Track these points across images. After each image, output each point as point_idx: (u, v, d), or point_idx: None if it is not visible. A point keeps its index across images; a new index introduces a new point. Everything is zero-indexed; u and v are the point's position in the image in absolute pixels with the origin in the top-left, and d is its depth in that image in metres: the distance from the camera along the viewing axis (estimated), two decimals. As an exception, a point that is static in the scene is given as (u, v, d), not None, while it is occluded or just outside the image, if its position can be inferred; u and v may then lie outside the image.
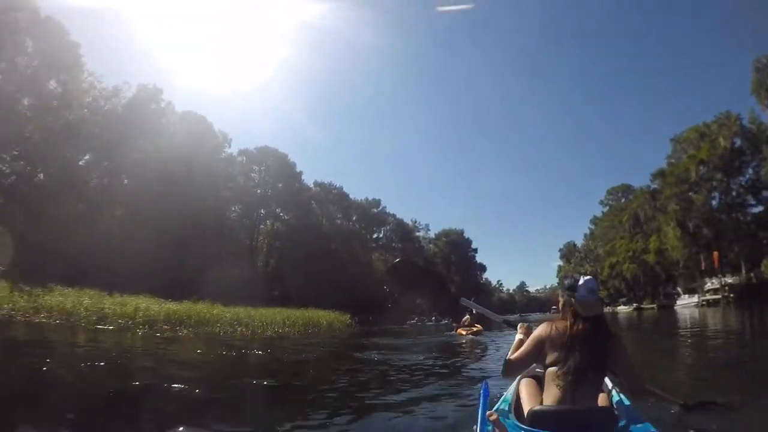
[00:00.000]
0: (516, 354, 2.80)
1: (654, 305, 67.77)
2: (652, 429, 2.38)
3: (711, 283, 56.08)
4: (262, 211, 64.87)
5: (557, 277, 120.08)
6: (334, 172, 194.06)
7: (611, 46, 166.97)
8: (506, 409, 2.80)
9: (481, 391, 2.28)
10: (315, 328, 26.53)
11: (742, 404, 3.85)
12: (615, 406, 2.84)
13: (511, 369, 2.81)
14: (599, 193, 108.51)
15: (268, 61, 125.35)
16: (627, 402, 2.88)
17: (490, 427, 1.89)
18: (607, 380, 3.11)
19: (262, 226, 65.20)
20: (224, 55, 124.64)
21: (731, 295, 49.33)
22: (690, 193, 61.95)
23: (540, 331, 2.76)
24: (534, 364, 2.91)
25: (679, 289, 63.16)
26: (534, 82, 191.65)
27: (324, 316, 30.77)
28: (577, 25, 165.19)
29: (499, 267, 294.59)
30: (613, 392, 3.05)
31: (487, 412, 1.94)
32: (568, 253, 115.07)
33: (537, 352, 2.70)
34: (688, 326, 20.58)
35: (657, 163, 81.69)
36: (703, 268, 57.42)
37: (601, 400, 2.80)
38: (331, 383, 7.41)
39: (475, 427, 1.89)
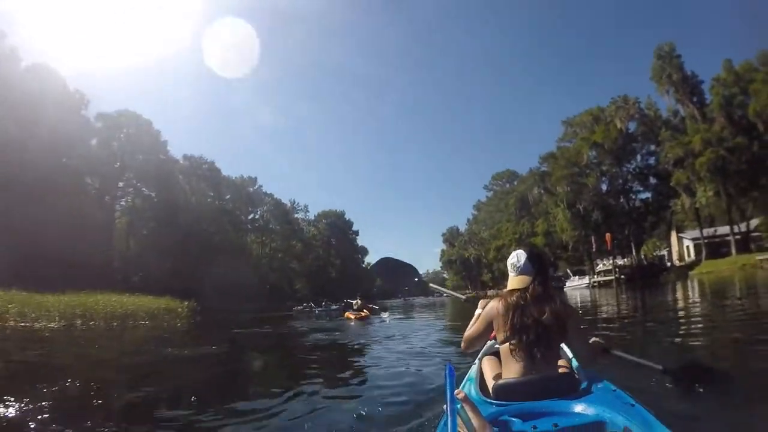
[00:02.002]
0: (470, 330, 2.87)
1: (542, 287, 67.49)
2: (612, 386, 2.41)
3: (603, 265, 56.18)
4: (121, 184, 56.57)
5: (440, 260, 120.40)
6: (207, 146, 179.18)
7: (503, 27, 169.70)
8: (471, 386, 2.77)
9: (446, 372, 1.92)
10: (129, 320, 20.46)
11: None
12: (575, 370, 2.81)
13: (467, 344, 2.90)
14: (485, 180, 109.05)
15: (136, 18, 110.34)
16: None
17: (459, 405, 1.79)
18: (565, 348, 3.15)
19: (122, 203, 57.57)
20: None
21: (622, 276, 49.15)
22: (580, 177, 61.91)
23: (489, 307, 2.75)
24: (494, 342, 3.02)
25: (568, 271, 63.25)
26: (420, 65, 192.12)
27: (149, 303, 24.72)
28: (468, 7, 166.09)
29: (384, 252, 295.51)
30: (572, 359, 3.04)
31: (455, 391, 1.81)
32: (451, 237, 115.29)
33: (488, 328, 2.73)
34: (580, 305, 20.52)
35: (544, 150, 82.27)
36: (594, 249, 57.51)
37: (561, 366, 2.78)
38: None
39: (444, 406, 1.76)
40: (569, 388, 2.37)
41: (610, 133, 56.68)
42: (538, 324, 2.51)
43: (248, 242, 79.52)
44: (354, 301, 22.46)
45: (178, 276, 47.94)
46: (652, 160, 58.57)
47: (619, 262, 53.35)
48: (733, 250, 45.99)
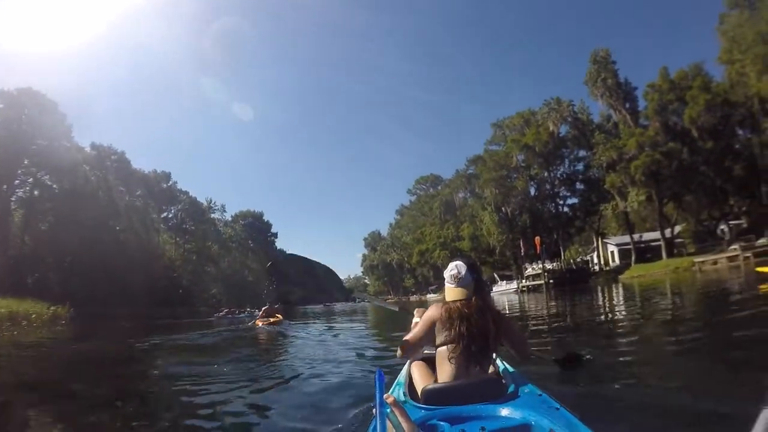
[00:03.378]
0: (411, 335, 2.85)
1: (468, 292, 65.77)
2: (536, 390, 2.46)
3: (532, 269, 55.09)
4: (20, 172, 49.31)
5: (362, 266, 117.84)
6: (116, 136, 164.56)
7: (429, 20, 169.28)
8: (401, 391, 2.81)
9: (376, 378, 1.95)
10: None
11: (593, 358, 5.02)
12: (502, 374, 2.93)
13: (407, 349, 2.85)
14: (408, 183, 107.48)
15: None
16: (511, 369, 3.05)
17: (388, 409, 1.81)
18: (495, 355, 3.19)
19: (20, 193, 50.09)
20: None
21: (551, 281, 48.08)
22: (509, 180, 61.02)
23: (430, 312, 2.81)
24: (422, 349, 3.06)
25: (495, 276, 61.87)
26: (342, 67, 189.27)
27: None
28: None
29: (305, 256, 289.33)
30: (499, 362, 3.17)
31: (385, 395, 1.82)
32: (373, 242, 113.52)
33: (429, 332, 2.76)
34: (509, 311, 19.80)
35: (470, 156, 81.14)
36: (522, 253, 56.35)
37: (491, 372, 2.92)
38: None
39: (373, 410, 1.78)
40: (497, 392, 2.40)
41: (540, 136, 56.13)
42: (478, 332, 2.59)
43: (161, 242, 72.55)
44: (263, 308, 21.80)
45: (78, 277, 43.83)
46: (580, 166, 58.62)
47: (548, 266, 52.20)
48: (664, 254, 46.49)
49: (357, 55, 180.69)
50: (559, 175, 59.81)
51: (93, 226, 49.81)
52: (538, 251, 48.93)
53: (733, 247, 37.61)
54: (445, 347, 2.62)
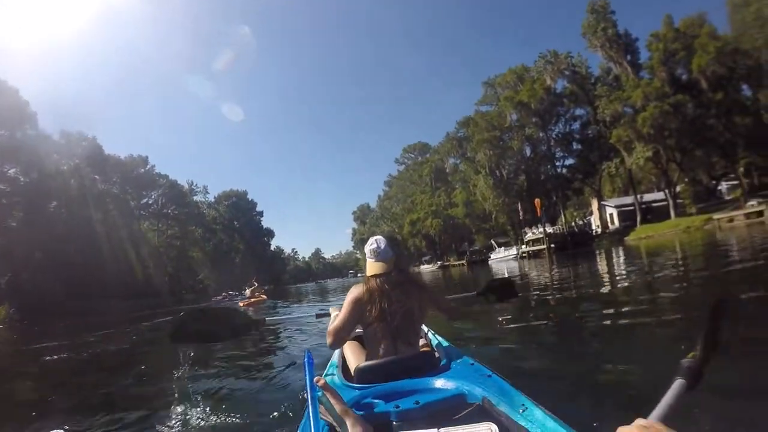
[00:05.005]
0: (337, 322, 2.73)
1: (463, 261, 63.67)
2: (470, 360, 2.49)
3: (532, 233, 52.66)
4: None
5: (352, 240, 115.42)
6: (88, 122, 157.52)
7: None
8: (334, 372, 2.74)
9: (305, 360, 1.89)
10: None
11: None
12: (435, 348, 2.95)
13: (335, 336, 2.69)
14: (396, 153, 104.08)
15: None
16: (445, 342, 3.05)
17: (320, 393, 1.77)
18: (425, 328, 3.35)
19: None
20: None
21: (552, 245, 45.75)
22: (503, 141, 58.41)
23: (352, 293, 2.74)
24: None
25: (493, 243, 59.64)
26: (322, 35, 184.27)
27: None
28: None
29: (293, 235, 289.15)
30: (431, 335, 3.25)
31: (315, 378, 1.75)
32: (362, 215, 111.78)
33: (355, 314, 2.68)
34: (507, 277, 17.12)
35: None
36: (521, 218, 53.94)
37: (422, 345, 2.97)
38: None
39: (305, 394, 1.73)
40: (430, 365, 2.43)
41: (536, 92, 53.22)
42: (401, 307, 2.59)
43: (142, 230, 69.49)
44: (248, 288, 22.00)
45: (54, 274, 41.78)
46: (576, 125, 56.05)
47: (549, 230, 49.87)
48: (672, 213, 44.42)
49: (337, 23, 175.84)
50: (554, 135, 57.14)
51: (65, 218, 47.64)
52: (538, 214, 46.80)
53: (751, 203, 35.43)
54: (370, 326, 2.61)
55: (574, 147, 56.43)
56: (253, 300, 20.13)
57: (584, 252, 36.42)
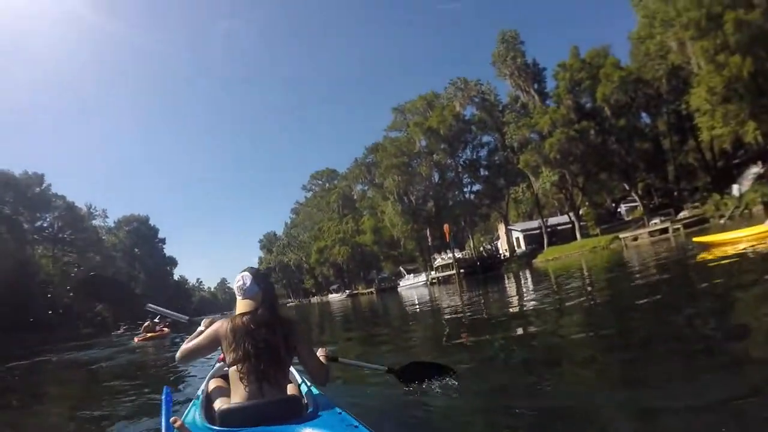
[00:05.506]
0: (191, 343, 2.77)
1: (372, 290, 61.72)
2: (338, 409, 2.41)
3: (441, 259, 52.00)
4: None
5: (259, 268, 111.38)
6: None
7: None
8: (196, 412, 2.65)
9: (163, 398, 2.12)
10: None
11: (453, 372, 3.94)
12: (304, 395, 2.83)
13: (184, 356, 2.75)
14: (303, 181, 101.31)
15: None
16: (315, 390, 2.89)
17: None
18: (294, 371, 3.15)
19: None
20: None
21: (462, 271, 45.17)
22: (411, 167, 57.85)
23: (216, 326, 2.70)
24: (223, 364, 2.98)
25: (402, 270, 58.34)
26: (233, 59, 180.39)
27: None
28: None
29: (198, 265, 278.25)
30: (302, 383, 3.07)
31: (172, 418, 1.86)
32: (269, 243, 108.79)
33: (210, 345, 2.69)
34: (419, 306, 19.00)
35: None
36: (430, 243, 53.17)
37: (290, 390, 2.78)
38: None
39: None
40: (296, 412, 2.38)
41: (445, 118, 53.16)
42: (266, 347, 2.51)
43: (36, 256, 62.71)
44: (145, 324, 20.26)
45: None
46: (483, 152, 56.51)
47: (458, 255, 49.34)
48: (578, 234, 45.70)
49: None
50: (462, 162, 57.25)
51: None
52: (447, 239, 46.32)
53: (654, 221, 37.04)
54: (234, 366, 2.50)
55: (482, 173, 56.88)
56: (150, 335, 18.81)
57: (494, 276, 36.62)
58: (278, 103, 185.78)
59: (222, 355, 2.79)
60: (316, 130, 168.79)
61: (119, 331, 32.99)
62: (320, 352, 3.20)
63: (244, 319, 2.58)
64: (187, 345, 2.76)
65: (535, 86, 49.40)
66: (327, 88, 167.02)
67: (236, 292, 2.76)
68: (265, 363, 2.46)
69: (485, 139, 55.85)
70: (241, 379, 2.45)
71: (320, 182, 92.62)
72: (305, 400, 2.68)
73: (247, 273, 2.77)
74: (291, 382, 2.97)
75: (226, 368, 2.66)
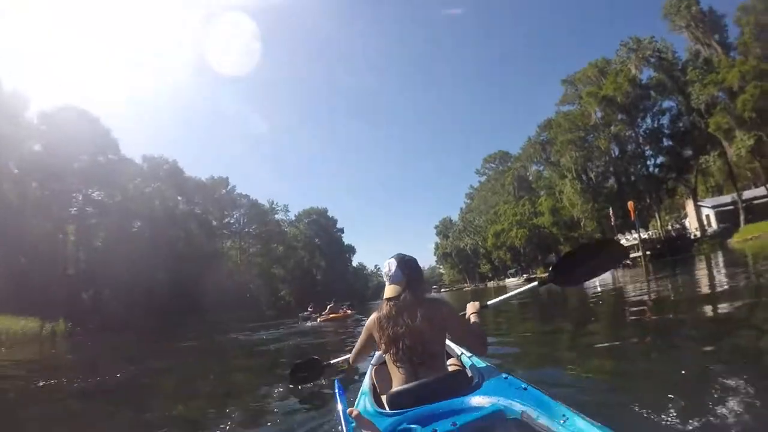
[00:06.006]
0: (356, 345, 3.06)
1: (549, 273, 59.57)
2: (503, 375, 2.40)
3: (626, 240, 48.03)
4: (68, 191, 47.82)
5: (435, 255, 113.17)
6: (168, 146, 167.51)
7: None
8: (366, 400, 2.68)
9: (336, 391, 2.28)
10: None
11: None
12: (468, 368, 2.87)
13: (354, 359, 3.19)
14: (477, 165, 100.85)
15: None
16: (479, 361, 2.90)
17: (354, 424, 1.87)
18: (453, 346, 3.24)
19: (73, 211, 48.76)
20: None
21: (648, 252, 41.20)
22: (588, 141, 54.82)
23: (368, 322, 2.87)
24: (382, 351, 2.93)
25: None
26: (393, 56, 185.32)
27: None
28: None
29: (375, 252, 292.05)
30: (461, 354, 3.10)
31: (348, 410, 1.89)
32: (445, 229, 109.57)
33: (369, 341, 2.88)
34: (602, 294, 15.02)
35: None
36: (613, 223, 49.60)
37: (452, 365, 2.96)
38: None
39: (340, 428, 1.91)
40: (462, 384, 2.40)
41: (621, 84, 48.66)
42: (410, 331, 2.56)
43: (225, 249, 71.92)
44: (329, 305, 22.58)
45: (135, 292, 42.79)
46: (665, 119, 51.10)
47: (644, 235, 45.19)
48: None
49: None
50: (642, 132, 52.40)
51: (149, 237, 49.10)
52: (632, 217, 42.68)
53: None
54: (387, 352, 2.64)
55: (665, 143, 51.70)
56: (332, 315, 20.81)
57: (684, 258, 33.47)
58: (448, 95, 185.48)
59: None
60: (487, 111, 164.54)
61: (306, 313, 36.45)
62: (470, 309, 3.22)
63: (390, 304, 2.70)
64: (355, 347, 3.06)
65: (716, 37, 43.35)
66: (492, 68, 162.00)
67: (385, 279, 2.86)
68: (412, 346, 2.54)
69: (666, 104, 50.51)
70: (395, 363, 2.57)
71: (493, 165, 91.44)
72: (469, 373, 2.73)
73: (393, 260, 2.84)
74: (452, 357, 3.16)
75: (384, 355, 2.81)
